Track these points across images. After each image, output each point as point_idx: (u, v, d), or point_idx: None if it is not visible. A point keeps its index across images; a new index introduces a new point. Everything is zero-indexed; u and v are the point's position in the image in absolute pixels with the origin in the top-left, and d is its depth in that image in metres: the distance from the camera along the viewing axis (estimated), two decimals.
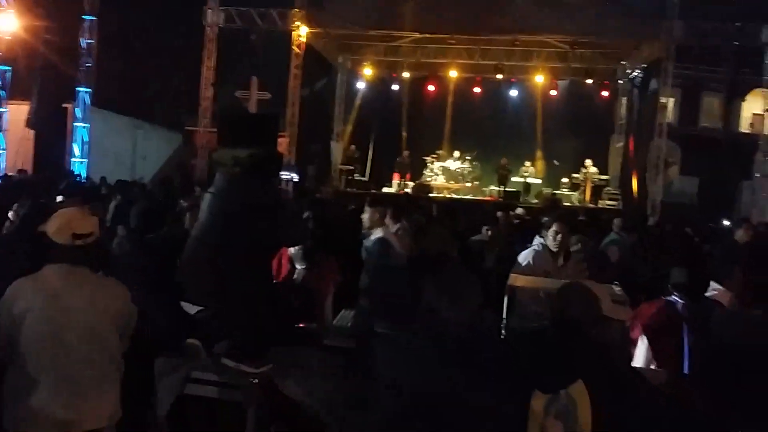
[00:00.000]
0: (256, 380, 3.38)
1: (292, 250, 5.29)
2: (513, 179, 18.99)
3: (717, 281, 4.46)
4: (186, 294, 3.70)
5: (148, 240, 4.26)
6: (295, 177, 17.12)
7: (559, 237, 4.99)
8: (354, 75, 21.60)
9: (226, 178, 3.54)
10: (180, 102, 20.63)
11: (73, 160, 17.40)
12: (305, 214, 6.10)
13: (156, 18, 19.04)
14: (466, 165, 19.21)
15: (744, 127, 29.00)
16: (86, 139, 17.52)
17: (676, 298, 3.74)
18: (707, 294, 4.45)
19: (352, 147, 20.49)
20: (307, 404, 3.42)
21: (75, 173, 16.03)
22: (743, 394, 2.66)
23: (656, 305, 3.83)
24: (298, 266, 5.31)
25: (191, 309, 3.74)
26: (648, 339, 3.67)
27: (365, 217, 5.14)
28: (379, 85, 21.24)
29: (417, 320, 2.56)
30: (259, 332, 3.49)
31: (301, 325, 4.48)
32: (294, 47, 17.58)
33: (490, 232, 7.19)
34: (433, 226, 6.03)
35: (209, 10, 17.38)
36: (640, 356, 3.69)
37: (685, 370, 3.53)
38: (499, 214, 8.79)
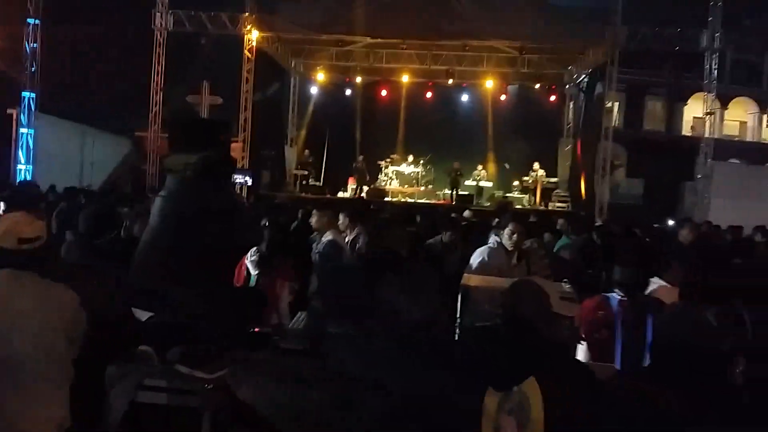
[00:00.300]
0: (211, 386, 3.35)
1: (248, 254, 5.29)
2: (465, 183, 19.23)
3: (662, 278, 4.65)
4: (137, 300, 3.65)
5: (97, 245, 4.19)
6: (249, 181, 16.99)
7: (515, 237, 5.12)
8: (307, 79, 21.57)
9: (177, 181, 3.51)
10: (129, 107, 20.20)
11: (18, 167, 16.89)
12: (263, 220, 6.09)
13: (104, 21, 18.64)
14: (420, 169, 19.39)
15: (686, 130, 30.03)
16: (32, 145, 17.04)
17: (614, 295, 3.89)
18: (652, 290, 4.63)
19: (306, 152, 20.45)
20: (261, 408, 3.41)
21: (29, 183, 15.50)
22: (690, 392, 2.74)
23: (595, 301, 3.98)
24: (254, 271, 5.31)
25: (143, 315, 3.69)
26: (584, 333, 3.81)
27: (313, 220, 5.19)
28: (332, 90, 21.27)
29: (375, 320, 2.58)
30: (213, 337, 3.47)
31: (256, 329, 4.46)
32: (245, 51, 17.46)
33: (453, 237, 7.21)
34: (390, 227, 6.08)
35: (158, 14, 17.10)
36: (580, 351, 3.82)
37: (617, 365, 3.68)
38: (453, 215, 8.89)
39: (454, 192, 18.72)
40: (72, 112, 19.15)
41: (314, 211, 5.40)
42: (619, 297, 3.89)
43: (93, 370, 3.18)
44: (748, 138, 31.80)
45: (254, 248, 5.43)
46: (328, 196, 18.34)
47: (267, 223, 6.01)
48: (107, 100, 20.48)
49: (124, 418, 3.25)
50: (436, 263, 6.16)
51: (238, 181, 16.25)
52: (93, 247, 4.17)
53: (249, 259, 5.35)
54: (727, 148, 25.70)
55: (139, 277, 3.53)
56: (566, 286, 4.88)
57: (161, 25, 17.16)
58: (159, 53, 17.23)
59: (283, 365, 3.65)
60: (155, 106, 17.39)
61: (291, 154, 20.80)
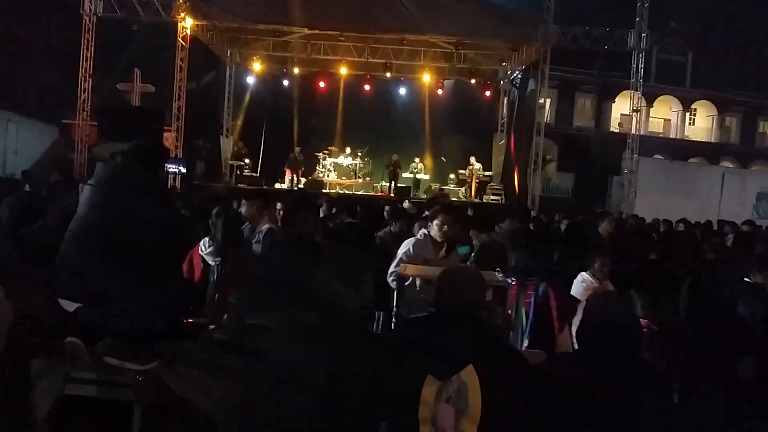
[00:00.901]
0: (142, 378, 3.29)
1: (202, 247, 5.19)
2: (403, 175, 19.41)
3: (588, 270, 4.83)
4: (64, 290, 3.55)
5: (21, 235, 4.04)
6: (183, 170, 16.62)
7: (445, 228, 5.13)
8: (243, 69, 21.22)
9: (107, 168, 3.43)
10: (56, 94, 19.42)
11: None
12: (215, 209, 5.98)
13: (30, 5, 17.84)
14: (358, 161, 19.44)
15: (614, 126, 31.14)
16: None
17: (507, 280, 4.07)
18: (577, 282, 4.82)
19: (242, 142, 20.17)
20: (194, 400, 3.38)
21: None
22: (616, 376, 2.84)
23: None
24: (213, 261, 5.19)
25: (70, 306, 3.59)
26: None
27: (243, 210, 5.15)
28: (269, 80, 21.00)
29: (312, 310, 2.58)
30: (144, 328, 3.41)
31: (189, 320, 4.40)
32: (179, 39, 17.04)
33: (402, 227, 7.21)
34: (332, 218, 6.05)
35: None
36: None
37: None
38: (387, 208, 8.94)
39: (392, 184, 18.86)
40: None
41: (243, 201, 5.33)
42: (510, 282, 4.06)
43: (18, 364, 3.09)
44: (672, 135, 33.26)
45: (206, 239, 5.31)
46: (265, 187, 18.16)
47: (219, 212, 5.89)
48: (33, 87, 19.64)
49: (52, 413, 3.17)
50: (385, 254, 6.16)
51: (171, 170, 15.90)
52: (17, 238, 4.03)
53: (205, 252, 5.22)
54: (652, 145, 26.84)
55: (66, 267, 3.43)
56: (499, 275, 5.03)
57: (90, 9, 16.55)
58: (88, 39, 16.62)
59: (218, 356, 3.62)
60: (84, 93, 16.78)
61: (226, 145, 20.46)
